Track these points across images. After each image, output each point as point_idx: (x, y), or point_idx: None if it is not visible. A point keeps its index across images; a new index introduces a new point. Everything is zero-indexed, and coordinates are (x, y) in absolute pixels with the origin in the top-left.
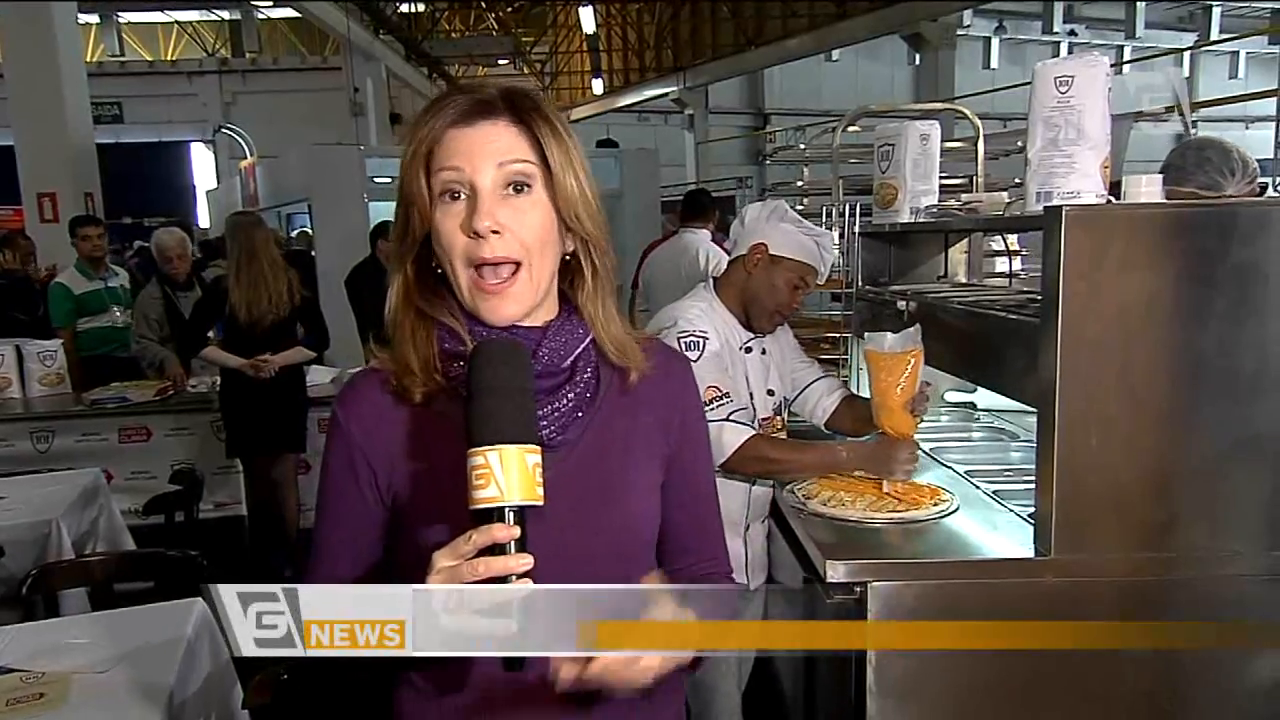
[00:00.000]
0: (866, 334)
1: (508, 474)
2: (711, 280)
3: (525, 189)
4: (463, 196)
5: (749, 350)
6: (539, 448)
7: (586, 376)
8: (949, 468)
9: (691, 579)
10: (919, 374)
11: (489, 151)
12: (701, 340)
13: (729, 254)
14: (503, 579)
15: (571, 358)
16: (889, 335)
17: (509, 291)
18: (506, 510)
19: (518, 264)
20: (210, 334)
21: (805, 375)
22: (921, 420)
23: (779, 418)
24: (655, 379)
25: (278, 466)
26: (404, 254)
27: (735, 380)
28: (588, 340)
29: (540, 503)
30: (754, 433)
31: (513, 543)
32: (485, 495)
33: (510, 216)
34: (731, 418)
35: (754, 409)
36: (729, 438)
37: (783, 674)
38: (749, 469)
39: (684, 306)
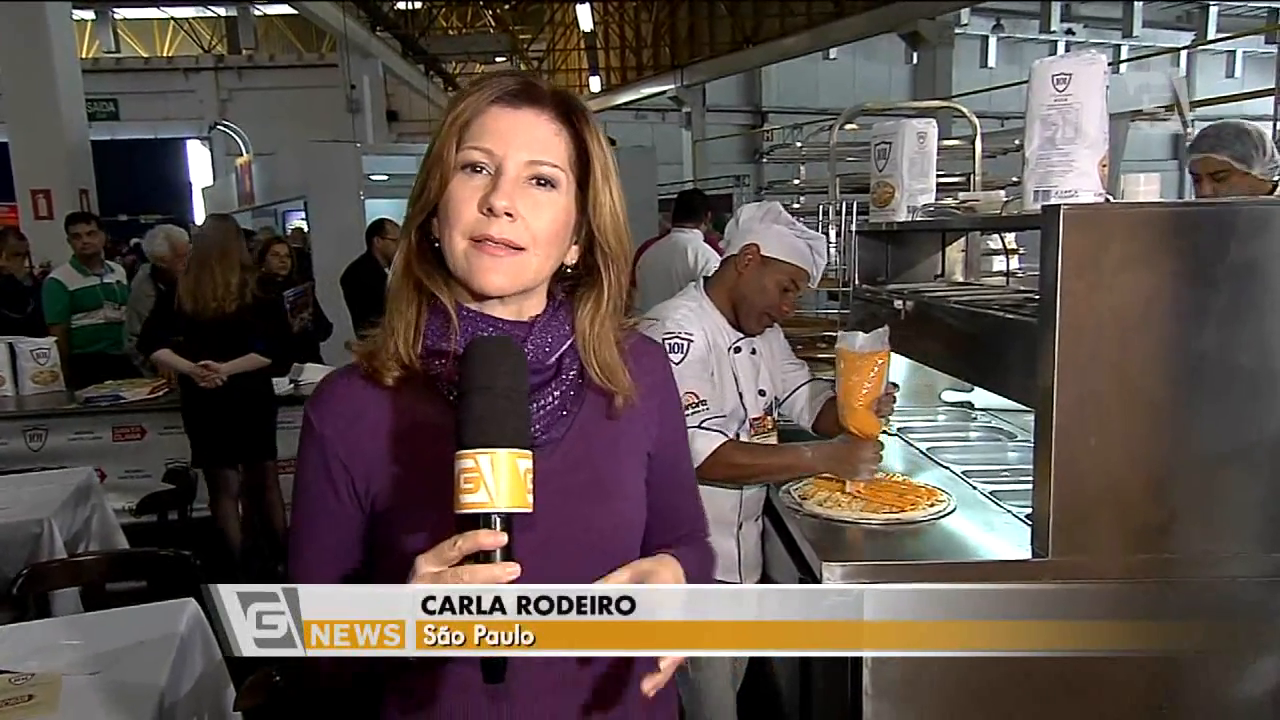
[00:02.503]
0: (840, 331)
1: (498, 479)
2: (702, 280)
3: (549, 186)
4: (485, 173)
5: (738, 350)
6: (531, 452)
7: (572, 374)
8: (946, 468)
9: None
10: (885, 376)
11: (525, 141)
12: (686, 343)
13: (721, 254)
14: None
15: (557, 354)
16: (860, 334)
17: (505, 263)
18: (494, 516)
19: (521, 249)
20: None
21: (794, 378)
22: (887, 421)
23: (770, 417)
24: (635, 372)
25: (256, 474)
26: (414, 216)
27: (723, 381)
28: (574, 336)
29: (529, 510)
30: (725, 439)
31: (499, 550)
32: (473, 500)
33: (527, 206)
34: (704, 425)
35: (745, 409)
36: (700, 444)
37: (778, 675)
38: (718, 474)
39: (672, 306)
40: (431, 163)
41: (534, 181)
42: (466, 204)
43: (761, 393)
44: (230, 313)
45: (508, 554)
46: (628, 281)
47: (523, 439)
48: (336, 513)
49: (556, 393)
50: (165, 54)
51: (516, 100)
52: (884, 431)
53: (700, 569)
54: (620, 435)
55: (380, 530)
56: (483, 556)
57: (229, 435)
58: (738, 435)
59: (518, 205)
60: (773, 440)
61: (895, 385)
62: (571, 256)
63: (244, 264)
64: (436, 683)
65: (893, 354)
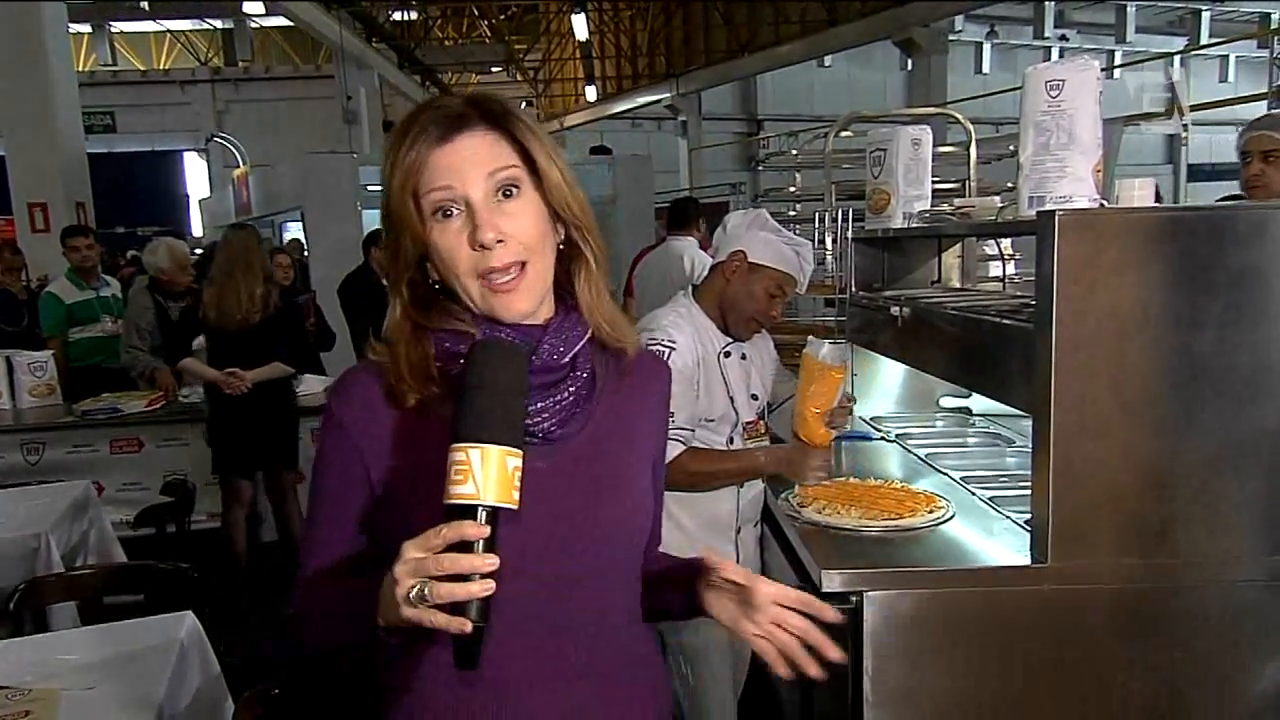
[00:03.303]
0: (809, 338)
1: (486, 473)
2: (691, 287)
3: (514, 192)
4: (456, 212)
5: (728, 355)
6: (522, 453)
7: (586, 372)
8: (944, 474)
9: (649, 561)
10: (839, 391)
11: (475, 163)
12: (668, 350)
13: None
14: (466, 577)
15: (571, 353)
16: (826, 344)
17: (520, 286)
18: (480, 509)
19: (523, 263)
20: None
21: (779, 393)
22: (839, 431)
23: (763, 421)
24: (643, 378)
25: (277, 483)
26: (398, 277)
27: (711, 387)
28: (586, 336)
29: (515, 507)
30: (683, 448)
31: (481, 542)
32: (461, 491)
33: (509, 223)
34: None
35: (736, 413)
36: None
37: (779, 682)
38: (679, 481)
39: (660, 314)
40: (397, 225)
41: (501, 195)
42: (459, 247)
43: (754, 397)
44: (255, 324)
45: (490, 547)
46: (602, 243)
47: (515, 438)
48: (351, 492)
49: (571, 389)
50: (162, 66)
51: (449, 135)
52: (884, 439)
53: None
54: (632, 434)
55: (383, 516)
56: (466, 546)
57: (252, 443)
58: (731, 440)
59: (502, 228)
60: (765, 443)
61: (852, 399)
62: (560, 234)
63: (267, 274)
64: (429, 679)
65: (891, 360)
